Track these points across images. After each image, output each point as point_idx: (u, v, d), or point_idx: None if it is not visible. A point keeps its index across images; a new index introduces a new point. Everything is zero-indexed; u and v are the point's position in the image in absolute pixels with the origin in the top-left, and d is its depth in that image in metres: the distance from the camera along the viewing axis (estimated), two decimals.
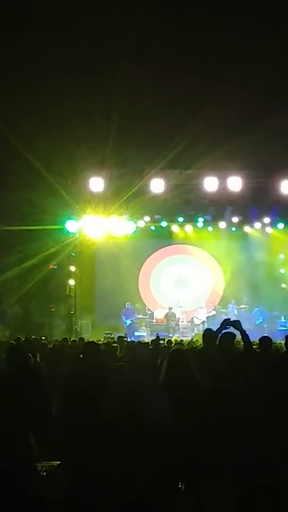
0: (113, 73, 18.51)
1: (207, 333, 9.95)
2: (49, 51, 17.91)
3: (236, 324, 8.68)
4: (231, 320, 8.90)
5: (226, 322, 9.02)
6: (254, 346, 9.12)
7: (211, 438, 6.14)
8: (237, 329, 8.55)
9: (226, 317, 9.45)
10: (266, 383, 7.44)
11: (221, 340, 8.93)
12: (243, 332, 8.47)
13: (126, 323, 29.01)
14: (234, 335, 9.08)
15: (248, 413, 6.71)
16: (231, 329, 8.86)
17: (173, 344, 15.54)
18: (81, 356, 8.43)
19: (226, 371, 7.57)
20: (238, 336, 8.77)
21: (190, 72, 19.08)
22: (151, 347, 13.28)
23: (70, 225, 26.80)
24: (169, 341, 17.30)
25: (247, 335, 8.47)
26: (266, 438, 6.58)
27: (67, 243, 27.72)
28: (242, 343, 8.56)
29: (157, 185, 23.86)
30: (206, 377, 6.89)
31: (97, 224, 27.87)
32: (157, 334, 22.05)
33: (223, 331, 9.02)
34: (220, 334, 8.97)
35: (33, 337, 19.12)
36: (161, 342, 15.63)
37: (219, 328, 8.98)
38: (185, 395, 6.31)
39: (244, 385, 7.14)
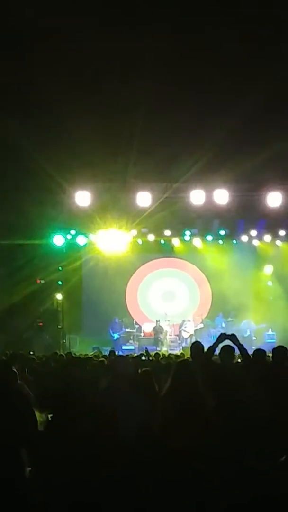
0: (101, 88, 18.56)
1: (195, 346, 9.96)
2: (35, 66, 17.95)
3: (233, 337, 8.71)
4: (227, 334, 8.93)
5: (223, 336, 9.06)
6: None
7: (214, 450, 6.12)
8: (234, 343, 8.58)
9: (214, 330, 9.48)
10: (261, 395, 7.44)
11: (221, 353, 8.94)
12: (240, 346, 8.50)
13: (113, 337, 28.98)
14: (233, 348, 9.09)
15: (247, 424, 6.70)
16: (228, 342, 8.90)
17: (161, 357, 15.52)
18: (66, 370, 8.41)
19: (224, 384, 7.58)
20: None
21: (178, 87, 19.16)
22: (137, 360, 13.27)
23: (57, 240, 26.80)
24: (157, 354, 17.27)
25: (244, 348, 8.51)
26: (267, 448, 6.58)
27: (54, 257, 27.72)
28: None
29: (144, 199, 23.86)
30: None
31: (84, 238, 27.97)
32: (146, 348, 22.04)
33: (222, 345, 9.05)
34: (216, 348, 8.99)
35: (20, 351, 19.03)
36: (143, 358, 15.58)
37: (215, 342, 9.00)
38: (189, 407, 6.29)
39: (240, 397, 7.13)
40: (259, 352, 9.88)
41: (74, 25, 16.39)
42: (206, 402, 6.46)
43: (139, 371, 8.71)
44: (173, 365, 7.11)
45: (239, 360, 9.74)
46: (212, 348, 8.99)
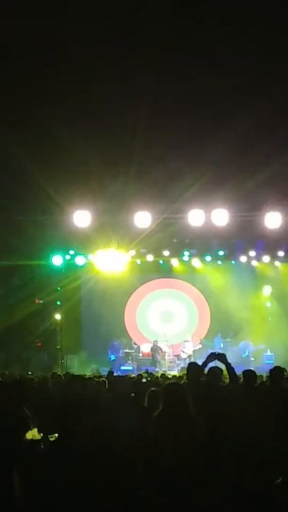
0: (100, 108, 18.62)
1: (191, 367, 9.94)
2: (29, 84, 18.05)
3: (222, 357, 8.70)
4: (217, 353, 8.92)
5: (212, 356, 9.04)
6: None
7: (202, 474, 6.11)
8: (223, 362, 8.57)
9: (212, 351, 9.45)
10: (251, 415, 7.43)
11: (209, 374, 8.93)
12: (228, 365, 8.48)
13: (110, 358, 28.96)
14: (221, 369, 9.08)
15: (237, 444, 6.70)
16: (217, 362, 8.88)
17: (159, 378, 15.47)
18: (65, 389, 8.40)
19: (212, 405, 7.56)
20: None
21: (176, 107, 19.22)
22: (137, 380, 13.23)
23: (56, 260, 26.85)
24: (151, 375, 17.23)
25: (232, 368, 8.49)
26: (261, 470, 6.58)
27: (53, 278, 27.74)
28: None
29: (143, 219, 23.88)
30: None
31: (83, 258, 28.02)
32: (147, 369, 22.03)
33: (210, 366, 9.04)
34: (207, 368, 8.98)
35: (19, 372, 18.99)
36: (144, 380, 15.56)
37: (204, 361, 8.99)
38: (181, 429, 6.28)
39: (231, 418, 7.13)
40: (249, 372, 9.84)
41: (74, 46, 16.47)
42: (197, 424, 6.45)
43: (149, 390, 8.68)
44: (164, 388, 7.09)
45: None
46: (201, 368, 9.00)
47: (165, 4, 15.05)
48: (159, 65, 16.70)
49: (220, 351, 10.68)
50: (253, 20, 15.91)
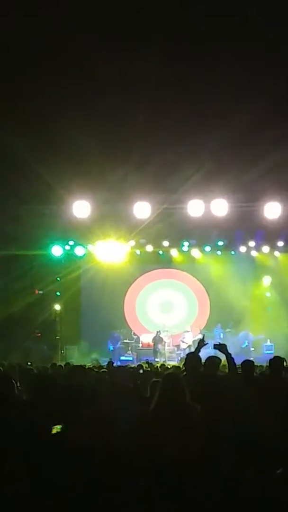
0: (100, 98, 18.58)
1: (189, 357, 9.93)
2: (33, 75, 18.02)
3: (222, 347, 8.70)
4: (218, 343, 8.93)
5: (201, 343, 9.10)
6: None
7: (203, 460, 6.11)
8: (223, 352, 8.58)
9: (212, 340, 9.50)
10: (250, 406, 7.44)
11: (206, 364, 8.94)
12: (228, 355, 8.49)
13: (109, 348, 29.02)
14: (219, 359, 9.10)
15: (235, 435, 6.70)
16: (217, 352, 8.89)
17: (159, 368, 15.49)
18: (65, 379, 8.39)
19: (209, 395, 7.56)
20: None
21: (176, 97, 19.18)
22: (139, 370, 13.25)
23: (55, 250, 26.83)
24: (151, 365, 17.23)
25: (232, 358, 8.50)
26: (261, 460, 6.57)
27: (52, 268, 27.74)
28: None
29: (142, 210, 23.85)
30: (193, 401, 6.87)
31: (83, 248, 28.03)
32: (147, 359, 22.02)
33: (209, 355, 9.05)
34: (203, 356, 9.00)
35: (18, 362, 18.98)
36: (141, 371, 15.58)
37: (196, 348, 9.05)
38: (178, 419, 6.28)
39: (229, 408, 7.14)
40: (247, 362, 9.83)
41: (76, 39, 16.43)
42: (194, 414, 6.45)
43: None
44: (161, 378, 7.09)
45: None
46: (198, 357, 9.01)
47: None
48: (159, 55, 16.64)
49: (220, 341, 10.71)
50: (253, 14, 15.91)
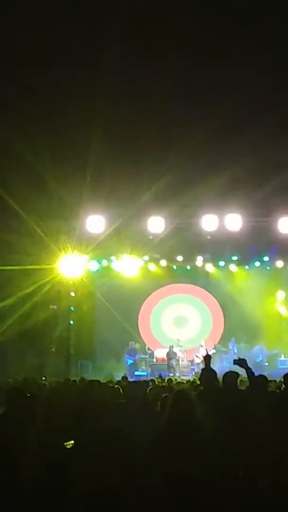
0: (114, 114, 18.71)
1: (205, 373, 9.93)
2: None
3: (242, 362, 8.71)
4: (238, 358, 8.94)
5: (207, 358, 9.13)
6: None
7: (213, 479, 6.10)
8: (243, 367, 8.59)
9: (226, 355, 9.50)
10: (267, 421, 7.42)
11: (225, 378, 8.94)
12: (248, 370, 8.49)
13: (127, 361, 28.93)
14: (237, 374, 9.08)
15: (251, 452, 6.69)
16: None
17: (173, 383, 15.46)
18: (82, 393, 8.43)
19: (228, 410, 7.56)
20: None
21: (191, 112, 19.29)
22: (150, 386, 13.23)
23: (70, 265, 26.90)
24: (170, 380, 17.22)
25: (252, 373, 8.50)
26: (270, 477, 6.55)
27: (66, 283, 27.77)
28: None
29: (156, 224, 23.93)
30: (208, 416, 6.88)
31: (97, 263, 28.15)
32: (160, 373, 21.98)
33: (226, 370, 9.06)
34: (218, 370, 9.01)
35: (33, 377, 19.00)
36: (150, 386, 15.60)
37: (206, 364, 9.07)
38: (187, 436, 6.28)
39: (247, 424, 7.12)
40: (260, 378, 9.81)
41: (89, 53, 16.68)
42: (203, 431, 6.46)
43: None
44: (171, 396, 7.10)
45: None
46: (213, 372, 9.02)
47: None
48: (170, 69, 16.80)
49: (234, 356, 10.71)
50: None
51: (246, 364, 8.69)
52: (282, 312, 30.80)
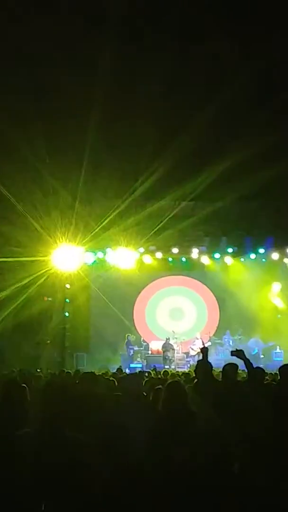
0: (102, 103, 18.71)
1: (200, 364, 9.91)
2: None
3: (240, 353, 8.69)
4: (236, 349, 8.92)
5: (204, 350, 9.12)
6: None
7: (210, 469, 6.10)
8: (241, 358, 8.57)
9: (221, 347, 9.48)
10: (265, 413, 7.40)
11: (225, 370, 8.92)
12: (247, 361, 8.48)
13: (130, 352, 28.99)
14: (236, 365, 9.07)
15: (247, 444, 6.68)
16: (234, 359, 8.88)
17: (169, 375, 15.45)
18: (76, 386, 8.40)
19: (225, 402, 7.55)
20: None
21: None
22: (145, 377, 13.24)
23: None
24: (165, 372, 17.21)
25: (251, 364, 8.49)
26: (266, 467, 6.54)
27: (61, 275, 27.73)
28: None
29: (152, 217, 23.93)
30: (204, 408, 6.86)
31: (92, 255, 28.13)
32: (154, 366, 21.97)
33: (226, 362, 9.04)
34: (224, 365, 8.99)
35: (28, 369, 19.00)
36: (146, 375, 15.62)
37: (203, 356, 9.06)
38: (182, 427, 6.27)
39: (244, 416, 7.11)
40: (258, 370, 9.80)
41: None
42: (197, 422, 6.45)
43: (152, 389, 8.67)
44: (165, 387, 7.08)
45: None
46: (209, 364, 9.00)
47: None
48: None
49: (230, 348, 10.70)
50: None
51: (244, 355, 8.66)
52: (277, 305, 30.82)
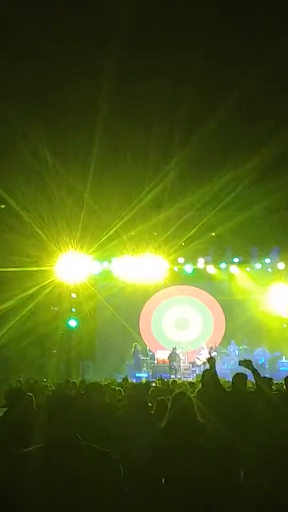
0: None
1: (207, 374, 9.91)
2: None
3: (248, 363, 8.69)
4: (244, 359, 8.92)
5: (212, 361, 9.11)
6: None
7: (214, 481, 6.09)
8: (249, 369, 8.56)
9: (227, 357, 9.47)
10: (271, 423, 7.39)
11: (234, 380, 8.92)
12: (255, 371, 8.47)
13: (138, 362, 29.04)
14: (245, 375, 9.07)
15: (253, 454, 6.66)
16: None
17: (176, 385, 15.46)
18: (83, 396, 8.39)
19: (233, 412, 7.54)
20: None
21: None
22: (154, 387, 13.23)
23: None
24: (174, 382, 17.22)
25: (259, 374, 8.48)
26: (271, 479, 6.52)
27: (67, 284, 27.76)
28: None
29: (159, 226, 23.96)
30: (211, 419, 6.86)
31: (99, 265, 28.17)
32: (160, 375, 21.95)
33: (236, 372, 9.04)
34: (233, 375, 8.99)
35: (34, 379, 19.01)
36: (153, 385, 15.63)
37: (211, 366, 9.05)
38: (188, 439, 6.27)
39: (252, 426, 7.10)
40: (267, 379, 9.78)
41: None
42: (205, 433, 6.44)
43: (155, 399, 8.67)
44: (172, 397, 7.08)
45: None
46: (216, 375, 9.00)
47: None
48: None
49: (236, 358, 10.69)
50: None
51: (252, 365, 8.67)
52: (283, 314, 30.73)
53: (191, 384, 16.25)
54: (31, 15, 16.32)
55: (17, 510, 4.43)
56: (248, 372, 8.79)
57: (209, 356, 9.55)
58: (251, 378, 9.06)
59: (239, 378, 8.99)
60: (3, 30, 16.31)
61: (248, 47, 17.66)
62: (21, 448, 5.50)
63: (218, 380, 9.02)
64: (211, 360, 9.43)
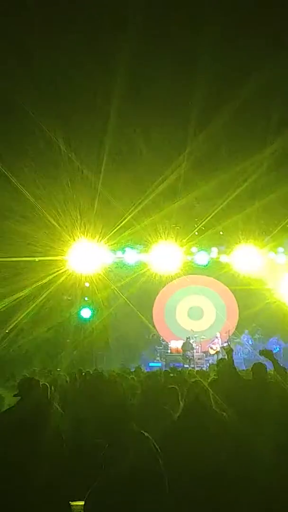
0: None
1: (222, 363, 9.90)
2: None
3: (269, 353, 8.66)
4: (264, 349, 8.90)
5: (230, 351, 9.09)
6: None
7: (229, 471, 6.08)
8: (269, 359, 8.54)
9: (240, 347, 9.43)
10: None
11: (254, 370, 8.88)
12: (275, 362, 8.44)
13: (154, 349, 29.03)
14: (265, 365, 9.03)
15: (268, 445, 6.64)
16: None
17: (187, 374, 15.44)
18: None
19: (250, 402, 7.52)
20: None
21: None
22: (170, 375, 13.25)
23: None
24: (187, 371, 17.19)
25: (279, 364, 8.45)
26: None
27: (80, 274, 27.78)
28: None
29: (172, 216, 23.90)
30: (223, 407, 6.84)
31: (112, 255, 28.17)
32: (174, 364, 21.96)
33: (255, 362, 9.01)
34: (253, 365, 8.97)
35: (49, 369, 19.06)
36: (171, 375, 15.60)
37: (229, 356, 9.02)
38: (203, 427, 6.26)
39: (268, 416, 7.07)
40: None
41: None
42: (221, 421, 6.42)
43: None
44: (187, 387, 7.06)
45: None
46: (233, 364, 8.97)
47: None
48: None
49: (250, 348, 10.65)
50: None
51: (273, 355, 8.64)
52: None
53: (204, 373, 16.24)
54: (46, 7, 16.39)
55: None
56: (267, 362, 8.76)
57: (226, 345, 9.52)
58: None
59: (260, 367, 8.93)
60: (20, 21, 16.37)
61: (267, 36, 17.61)
62: (34, 436, 5.52)
63: (236, 369, 9.00)
64: (228, 350, 9.38)
